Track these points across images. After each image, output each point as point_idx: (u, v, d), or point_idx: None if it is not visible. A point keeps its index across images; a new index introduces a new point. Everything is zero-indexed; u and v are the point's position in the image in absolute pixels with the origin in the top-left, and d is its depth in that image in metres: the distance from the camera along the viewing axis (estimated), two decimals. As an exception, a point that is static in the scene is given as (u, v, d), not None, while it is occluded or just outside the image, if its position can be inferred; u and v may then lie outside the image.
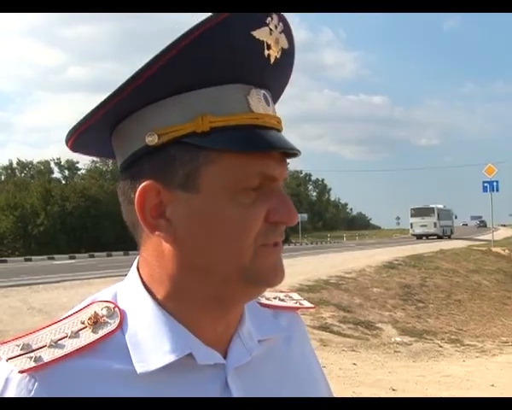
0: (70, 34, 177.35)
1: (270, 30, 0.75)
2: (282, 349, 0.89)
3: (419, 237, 45.08)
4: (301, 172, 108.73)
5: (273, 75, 0.79)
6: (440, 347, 9.70)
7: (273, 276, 0.77)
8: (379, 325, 10.91)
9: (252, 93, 0.76)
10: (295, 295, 1.01)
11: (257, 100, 0.76)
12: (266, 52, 0.75)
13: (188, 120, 0.73)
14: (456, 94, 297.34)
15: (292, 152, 0.77)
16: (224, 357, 0.79)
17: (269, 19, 0.75)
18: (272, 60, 0.76)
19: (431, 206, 46.78)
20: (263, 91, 0.77)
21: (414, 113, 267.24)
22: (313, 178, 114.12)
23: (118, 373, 0.73)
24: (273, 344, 0.88)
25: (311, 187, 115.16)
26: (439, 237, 43.31)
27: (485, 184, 31.14)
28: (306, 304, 1.00)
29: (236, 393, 0.78)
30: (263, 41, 0.74)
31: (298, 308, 0.98)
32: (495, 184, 30.78)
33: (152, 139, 0.74)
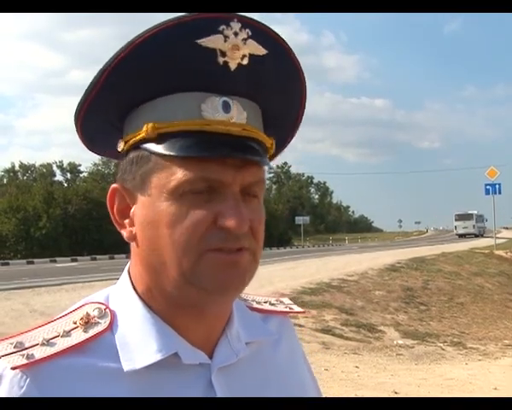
0: (71, 38, 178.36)
1: (225, 37, 0.75)
2: (270, 352, 0.91)
3: (461, 236, 58.74)
4: (303, 175, 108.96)
5: (241, 82, 0.78)
6: (443, 350, 9.67)
7: (215, 283, 0.76)
8: (381, 327, 10.89)
9: (208, 100, 0.77)
10: (286, 300, 1.03)
11: (212, 107, 0.76)
12: (221, 59, 0.75)
13: (141, 127, 0.78)
14: (457, 97, 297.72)
15: (247, 159, 0.76)
16: (211, 358, 0.82)
17: (223, 26, 0.74)
18: (233, 67, 0.76)
19: (470, 212, 60.79)
20: (224, 98, 0.77)
21: (415, 116, 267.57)
22: (315, 180, 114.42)
23: (106, 371, 0.76)
24: (261, 347, 0.90)
25: (313, 190, 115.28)
26: (476, 236, 56.31)
27: (488, 187, 31.12)
28: (296, 309, 1.02)
29: (220, 392, 0.80)
30: (214, 49, 0.75)
31: (288, 313, 1.00)
32: (497, 186, 30.75)
33: (120, 146, 0.81)
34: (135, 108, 0.80)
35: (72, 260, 28.04)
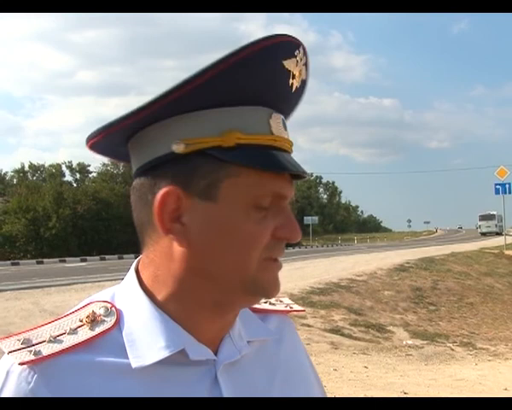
0: (79, 39, 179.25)
1: (297, 61, 0.81)
2: (273, 350, 0.94)
3: (483, 234, 65.89)
4: (312, 175, 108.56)
5: (291, 103, 0.86)
6: (452, 350, 9.63)
7: (273, 288, 0.82)
8: (390, 328, 10.86)
9: (273, 117, 0.82)
10: (286, 300, 1.06)
11: (277, 124, 0.82)
12: (291, 81, 0.81)
13: (215, 134, 0.78)
14: (466, 96, 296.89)
15: (301, 175, 0.83)
16: (216, 355, 0.84)
17: (297, 51, 0.81)
18: (294, 89, 0.83)
19: (492, 213, 67.04)
20: (281, 116, 0.84)
21: (424, 115, 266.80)
22: (324, 180, 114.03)
23: (113, 368, 0.78)
24: (263, 345, 0.92)
25: (321, 190, 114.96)
26: (497, 234, 60.34)
27: (498, 187, 30.92)
28: (296, 307, 1.05)
29: (225, 388, 0.82)
30: (290, 71, 0.81)
31: (288, 312, 1.02)
32: (507, 186, 30.55)
33: (178, 147, 0.78)
34: (195, 111, 0.79)
35: (82, 260, 28.18)
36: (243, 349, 0.87)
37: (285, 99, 0.83)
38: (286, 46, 0.79)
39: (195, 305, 0.81)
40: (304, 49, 0.82)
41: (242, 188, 0.78)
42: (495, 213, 67.55)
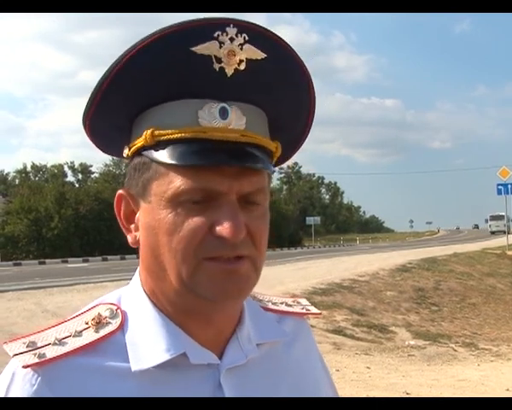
0: (81, 39, 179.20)
1: (220, 43, 0.75)
2: (282, 354, 0.90)
3: (493, 232, 73.03)
4: (314, 176, 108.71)
5: (239, 87, 0.78)
6: (455, 350, 9.61)
7: (214, 291, 0.76)
8: (392, 328, 10.85)
9: (205, 107, 0.77)
10: (304, 301, 1.02)
11: (210, 114, 0.77)
12: (217, 66, 0.75)
13: (140, 134, 0.79)
14: (467, 97, 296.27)
15: (249, 166, 0.76)
16: (221, 358, 0.82)
17: (218, 32, 0.75)
18: (230, 72, 0.76)
19: (501, 214, 71.58)
20: (221, 105, 0.77)
21: (426, 115, 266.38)
22: (326, 181, 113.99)
23: (115, 371, 0.77)
24: (273, 348, 0.89)
25: (323, 190, 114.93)
26: (505, 233, 64.47)
27: (500, 187, 30.87)
28: (313, 310, 1.01)
29: (228, 393, 0.80)
30: (209, 55, 0.75)
31: (304, 314, 0.99)
32: (510, 186, 30.49)
33: (125, 152, 0.83)
34: (139, 114, 0.81)
35: (84, 261, 28.20)
36: (250, 353, 0.84)
37: (219, 86, 0.76)
38: (192, 32, 0.74)
39: (174, 307, 0.80)
40: (241, 27, 0.75)
41: (167, 185, 0.76)
42: (503, 214, 71.10)
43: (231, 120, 0.77)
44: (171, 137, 0.76)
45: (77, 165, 77.92)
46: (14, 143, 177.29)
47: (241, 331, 0.85)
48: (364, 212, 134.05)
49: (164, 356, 0.77)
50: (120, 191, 0.83)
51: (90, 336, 0.79)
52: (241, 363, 0.83)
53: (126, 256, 28.73)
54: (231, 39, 0.75)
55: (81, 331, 0.80)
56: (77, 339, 0.79)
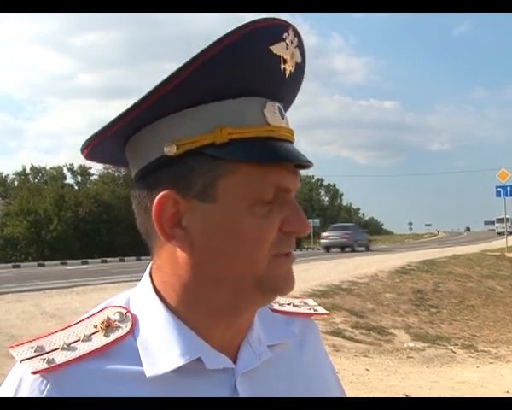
0: (80, 42, 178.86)
1: (287, 45, 0.77)
2: (294, 355, 0.90)
3: (499, 234, 72.47)
4: (313, 177, 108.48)
5: (287, 89, 0.81)
6: (454, 352, 9.61)
7: (285, 285, 0.79)
8: (391, 330, 10.84)
9: (267, 106, 0.78)
10: (310, 301, 1.02)
11: (272, 113, 0.78)
12: (282, 66, 0.77)
13: (207, 132, 0.75)
14: (467, 99, 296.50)
15: (304, 164, 0.79)
16: (234, 362, 0.80)
17: (285, 34, 0.76)
18: (287, 74, 0.78)
19: (507, 217, 74.01)
20: (277, 104, 0.79)
21: (425, 118, 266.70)
22: (325, 183, 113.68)
23: (128, 376, 0.75)
24: (285, 349, 0.88)
25: (322, 192, 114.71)
26: (510, 234, 65.46)
27: (499, 189, 30.90)
28: (321, 310, 1.00)
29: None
30: (280, 56, 0.76)
31: (312, 315, 0.98)
32: (509, 188, 30.51)
33: (170, 149, 0.75)
34: (183, 109, 0.76)
35: (83, 263, 28.12)
36: (263, 355, 0.83)
37: (279, 86, 0.79)
38: (271, 30, 0.75)
39: (207, 311, 0.78)
40: (294, 30, 0.77)
41: (241, 184, 0.74)
42: (509, 216, 74.51)
43: (287, 120, 0.81)
44: (246, 135, 0.75)
45: (76, 167, 77.69)
46: (13, 145, 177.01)
47: (251, 334, 0.84)
48: (364, 214, 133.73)
49: (179, 361, 0.75)
50: (166, 192, 0.76)
51: (99, 340, 0.77)
52: (256, 366, 0.82)
53: (126, 258, 28.69)
54: (291, 41, 0.77)
55: (90, 335, 0.78)
56: (86, 344, 0.77)
